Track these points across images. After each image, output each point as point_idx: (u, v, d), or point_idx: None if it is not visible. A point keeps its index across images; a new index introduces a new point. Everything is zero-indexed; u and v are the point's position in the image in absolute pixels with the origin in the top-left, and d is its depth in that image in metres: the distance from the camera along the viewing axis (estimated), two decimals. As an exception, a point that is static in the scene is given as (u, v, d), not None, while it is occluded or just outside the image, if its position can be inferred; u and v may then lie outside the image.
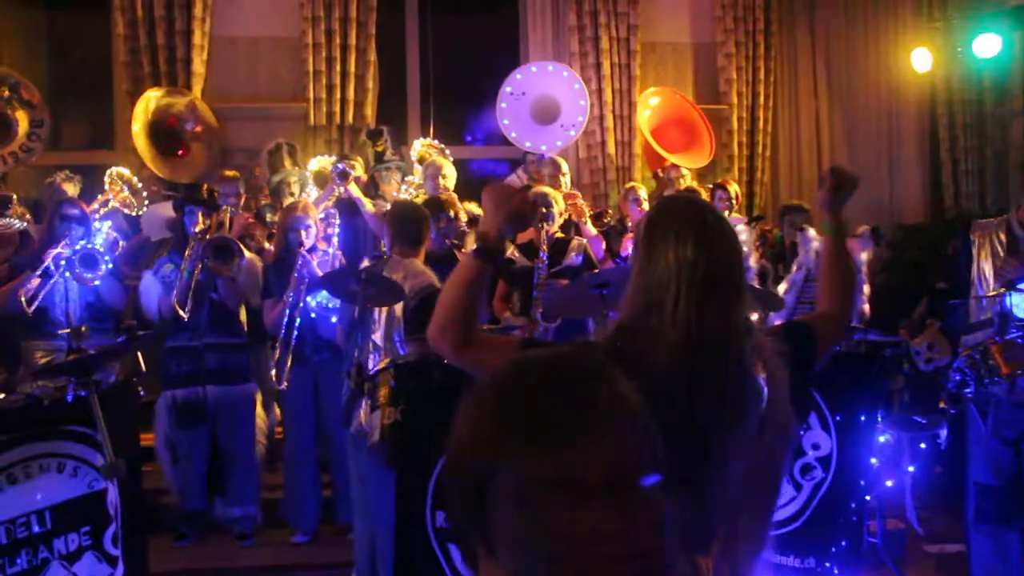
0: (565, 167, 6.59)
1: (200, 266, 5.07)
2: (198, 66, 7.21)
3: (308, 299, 5.15)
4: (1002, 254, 4.12)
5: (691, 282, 1.90)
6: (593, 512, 0.92)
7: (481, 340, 2.07)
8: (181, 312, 5.01)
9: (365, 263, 5.93)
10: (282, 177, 6.48)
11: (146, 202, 6.19)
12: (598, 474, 0.92)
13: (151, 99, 6.93)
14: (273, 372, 6.00)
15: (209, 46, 7.29)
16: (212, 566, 5.01)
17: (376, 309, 4.32)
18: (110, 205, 5.98)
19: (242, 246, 5.27)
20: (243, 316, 5.45)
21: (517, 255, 5.41)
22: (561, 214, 5.58)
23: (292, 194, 6.38)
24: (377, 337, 4.32)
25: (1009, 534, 4.04)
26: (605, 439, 0.94)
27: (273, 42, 7.55)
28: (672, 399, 1.86)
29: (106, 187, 6.14)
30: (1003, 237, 4.13)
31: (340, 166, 6.06)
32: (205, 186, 6.12)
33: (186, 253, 5.16)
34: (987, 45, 6.84)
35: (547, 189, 5.71)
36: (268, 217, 6.39)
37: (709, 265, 1.92)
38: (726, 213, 6.01)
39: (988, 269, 4.12)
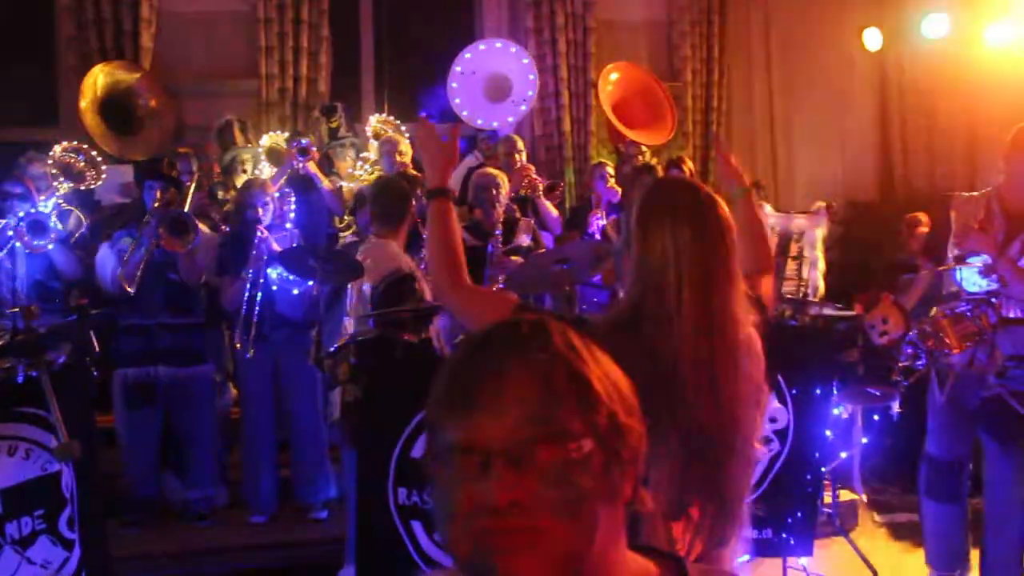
0: (520, 144, 6.58)
1: (156, 242, 4.95)
2: (147, 40, 7.04)
3: (269, 272, 5.06)
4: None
5: (691, 266, 1.93)
6: (491, 481, 0.91)
7: (476, 288, 2.25)
8: (128, 287, 4.89)
9: (342, 241, 5.90)
10: (234, 154, 6.37)
11: (103, 171, 5.98)
12: (501, 443, 0.92)
13: (101, 74, 6.74)
14: (230, 352, 5.96)
15: (158, 20, 7.11)
16: (169, 549, 4.94)
17: (350, 286, 4.28)
18: (65, 187, 5.72)
19: (198, 223, 5.16)
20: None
21: (465, 235, 5.42)
22: (508, 193, 5.60)
23: (245, 171, 6.28)
24: (350, 313, 4.29)
25: (955, 507, 4.13)
26: (511, 408, 0.93)
27: (225, 16, 7.39)
28: (680, 382, 1.90)
29: (50, 163, 5.86)
30: (980, 213, 4.14)
31: (304, 142, 5.98)
32: (166, 160, 5.97)
33: (141, 227, 5.04)
34: (937, 25, 6.93)
35: (491, 170, 5.73)
36: (220, 195, 6.29)
37: (705, 248, 1.95)
38: None
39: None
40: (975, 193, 4.18)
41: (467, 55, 7.34)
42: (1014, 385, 3.92)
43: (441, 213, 2.18)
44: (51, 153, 5.56)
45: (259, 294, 5.05)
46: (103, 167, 5.82)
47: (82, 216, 5.07)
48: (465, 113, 7.24)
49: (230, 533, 5.16)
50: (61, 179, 5.49)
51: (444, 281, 2.17)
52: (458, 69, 7.26)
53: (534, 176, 6.30)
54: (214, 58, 7.37)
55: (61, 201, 5.49)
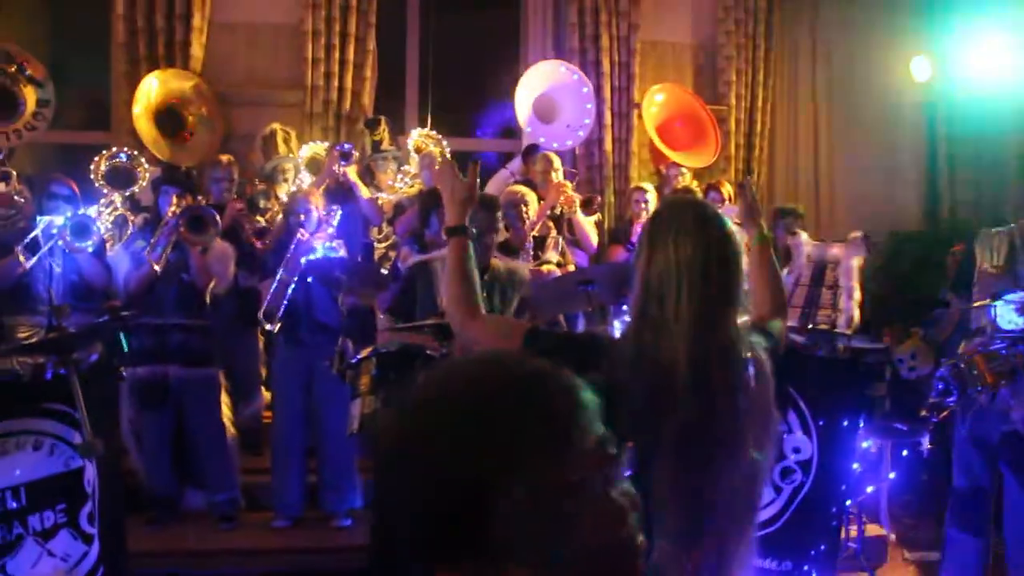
0: (557, 162, 6.59)
1: (173, 239, 5.02)
2: (196, 50, 7.19)
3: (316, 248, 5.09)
4: (997, 263, 4.12)
5: (691, 277, 2.00)
6: (598, 505, 0.97)
7: (489, 318, 2.29)
8: (155, 267, 4.96)
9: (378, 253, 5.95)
10: (276, 163, 6.46)
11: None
12: (591, 470, 0.98)
13: (156, 80, 6.92)
14: (263, 357, 6.03)
15: (208, 30, 7.27)
16: (190, 548, 5.00)
17: None
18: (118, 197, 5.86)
19: (217, 218, 5.20)
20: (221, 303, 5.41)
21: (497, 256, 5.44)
22: (543, 210, 5.61)
23: (286, 180, 6.37)
24: None
25: (977, 540, 4.07)
26: (589, 435, 0.98)
27: (272, 28, 7.52)
28: (676, 392, 1.92)
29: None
30: (1004, 249, 4.13)
31: (347, 146, 6.08)
32: (184, 167, 6.09)
33: (159, 228, 5.12)
34: (984, 56, 6.82)
35: (519, 187, 5.75)
36: (262, 204, 6.39)
37: (708, 262, 2.02)
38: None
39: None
40: (1000, 229, 4.14)
41: (533, 73, 7.38)
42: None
43: (459, 250, 2.22)
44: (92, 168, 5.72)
45: (294, 290, 5.06)
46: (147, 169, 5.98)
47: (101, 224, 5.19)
48: (528, 130, 7.29)
49: (253, 537, 5.20)
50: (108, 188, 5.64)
51: (460, 315, 2.20)
52: (524, 86, 7.31)
53: (570, 193, 6.30)
54: (261, 68, 7.51)
55: (118, 209, 5.63)
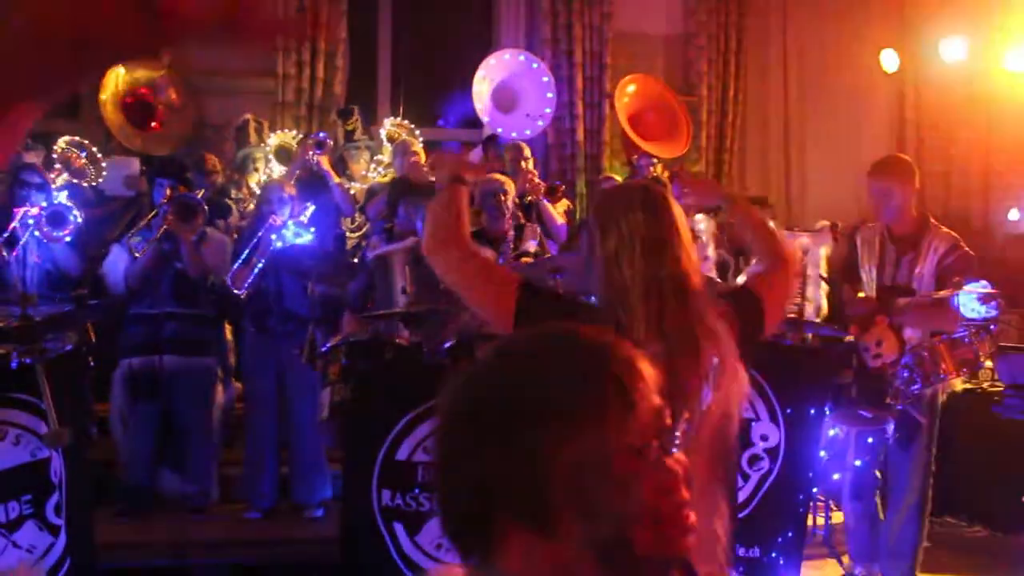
0: (527, 151, 6.60)
1: (163, 232, 4.99)
2: (166, 36, 7.12)
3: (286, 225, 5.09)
4: (872, 259, 4.32)
5: (644, 243, 2.07)
6: (658, 470, 1.01)
7: (481, 257, 2.28)
8: (132, 285, 4.93)
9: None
10: (246, 153, 6.44)
11: (104, 169, 6.06)
12: (653, 434, 1.02)
13: (122, 68, 6.84)
14: (234, 348, 6.01)
15: (178, 17, 7.19)
16: (160, 540, 4.97)
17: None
18: (61, 179, 5.84)
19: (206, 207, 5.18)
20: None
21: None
22: (515, 201, 5.60)
23: (256, 169, 6.35)
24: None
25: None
26: (648, 404, 1.03)
27: (243, 15, 7.46)
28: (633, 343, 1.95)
29: (55, 156, 5.99)
30: (877, 244, 4.33)
31: (322, 135, 6.06)
32: (179, 162, 6.04)
33: (149, 218, 5.09)
34: (954, 49, 6.90)
35: (498, 176, 5.72)
36: (233, 193, 6.35)
37: (657, 225, 2.10)
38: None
39: (869, 270, 4.33)
40: (872, 225, 4.40)
41: (491, 61, 7.38)
42: (1010, 413, 3.93)
43: (456, 191, 2.23)
44: (54, 147, 5.63)
45: (264, 279, 5.05)
46: (104, 162, 5.91)
47: (78, 213, 5.13)
48: (487, 119, 7.29)
49: (225, 528, 5.19)
50: (60, 171, 5.57)
51: (450, 241, 2.16)
52: (481, 76, 7.30)
53: (536, 180, 6.31)
54: (231, 56, 7.43)
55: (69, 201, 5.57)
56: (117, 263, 5.19)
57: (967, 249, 4.19)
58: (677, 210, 2.17)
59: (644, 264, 2.06)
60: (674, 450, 1.04)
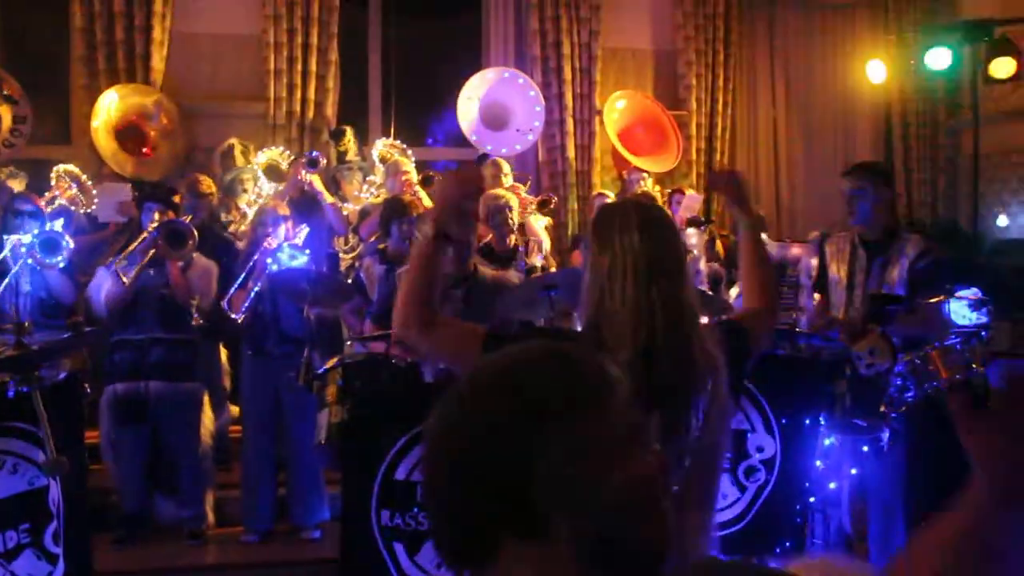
0: (506, 167, 6.63)
1: (151, 254, 5.00)
2: (157, 62, 7.16)
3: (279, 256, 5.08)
4: (842, 265, 4.38)
5: (636, 265, 2.06)
6: (638, 459, 1.06)
7: (445, 322, 2.22)
8: (112, 308, 4.94)
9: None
10: (234, 175, 6.44)
11: (95, 196, 6.09)
12: (630, 426, 1.07)
13: (116, 94, 6.87)
14: (228, 370, 6.01)
15: (169, 42, 7.24)
16: (158, 566, 4.97)
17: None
18: (56, 203, 5.90)
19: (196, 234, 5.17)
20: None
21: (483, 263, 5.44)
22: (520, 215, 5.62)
23: (245, 191, 6.36)
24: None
25: None
26: (619, 402, 1.07)
27: (234, 40, 7.51)
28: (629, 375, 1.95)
29: (52, 184, 6.07)
30: (848, 250, 4.37)
31: (315, 154, 6.09)
32: (168, 187, 6.07)
33: (137, 242, 5.09)
34: (939, 58, 6.96)
35: (502, 192, 5.71)
36: (223, 217, 6.37)
37: (654, 250, 2.08)
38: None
39: (840, 277, 4.39)
40: (842, 233, 4.45)
41: (475, 82, 7.43)
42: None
43: (433, 251, 2.15)
44: (50, 175, 5.68)
45: (261, 302, 5.06)
46: (95, 189, 5.95)
47: (70, 239, 5.15)
48: (475, 138, 7.33)
49: (222, 552, 5.18)
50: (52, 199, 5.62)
51: (417, 318, 2.12)
52: (466, 95, 7.35)
53: (523, 195, 6.33)
54: (223, 80, 7.49)
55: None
56: (100, 286, 5.16)
57: (939, 253, 4.22)
58: (676, 232, 2.18)
59: (637, 287, 2.04)
60: (649, 445, 1.09)
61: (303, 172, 6.01)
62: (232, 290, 5.09)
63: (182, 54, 7.34)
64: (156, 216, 5.21)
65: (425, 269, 2.16)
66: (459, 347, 2.15)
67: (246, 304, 5.05)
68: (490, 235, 5.51)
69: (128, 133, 6.91)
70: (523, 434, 1.03)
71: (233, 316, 5.03)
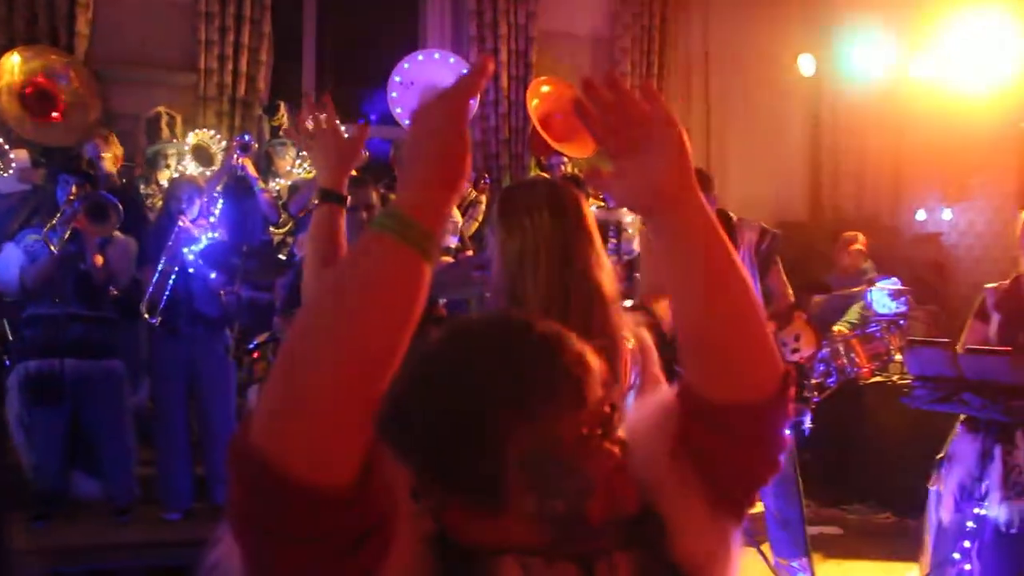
0: None
1: (69, 232, 4.83)
2: (82, 25, 6.88)
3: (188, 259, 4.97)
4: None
5: (550, 246, 1.96)
6: (604, 450, 1.07)
7: None
8: (31, 287, 4.78)
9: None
10: (157, 149, 6.28)
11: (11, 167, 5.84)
12: (598, 418, 1.08)
13: (19, 56, 6.57)
14: (146, 348, 5.87)
15: (94, 5, 6.98)
16: (78, 544, 4.86)
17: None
18: None
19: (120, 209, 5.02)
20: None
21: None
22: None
23: (168, 167, 6.21)
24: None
25: None
26: (595, 393, 1.08)
27: (165, 6, 7.29)
28: None
29: None
30: None
31: (247, 137, 5.97)
32: (84, 159, 5.85)
33: (54, 220, 4.91)
34: (865, 55, 7.14)
35: None
36: (142, 188, 6.21)
37: (566, 231, 1.98)
38: None
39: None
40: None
41: (405, 65, 7.35)
42: (917, 404, 4.09)
43: (330, 216, 2.06)
44: None
45: (169, 286, 4.97)
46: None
47: None
48: (407, 122, 7.25)
49: (143, 529, 5.09)
50: None
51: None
52: (397, 79, 7.27)
53: None
54: (152, 48, 7.24)
55: None
56: (9, 262, 4.96)
57: (774, 230, 4.31)
58: (588, 211, 2.06)
59: (548, 270, 1.94)
60: (615, 433, 1.11)
61: (235, 155, 5.89)
62: (151, 287, 4.99)
63: (109, 18, 7.08)
64: (73, 190, 4.99)
65: (326, 237, 2.06)
66: None
67: (164, 298, 4.95)
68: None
69: (35, 96, 6.60)
70: (506, 414, 1.04)
71: (151, 320, 4.94)
